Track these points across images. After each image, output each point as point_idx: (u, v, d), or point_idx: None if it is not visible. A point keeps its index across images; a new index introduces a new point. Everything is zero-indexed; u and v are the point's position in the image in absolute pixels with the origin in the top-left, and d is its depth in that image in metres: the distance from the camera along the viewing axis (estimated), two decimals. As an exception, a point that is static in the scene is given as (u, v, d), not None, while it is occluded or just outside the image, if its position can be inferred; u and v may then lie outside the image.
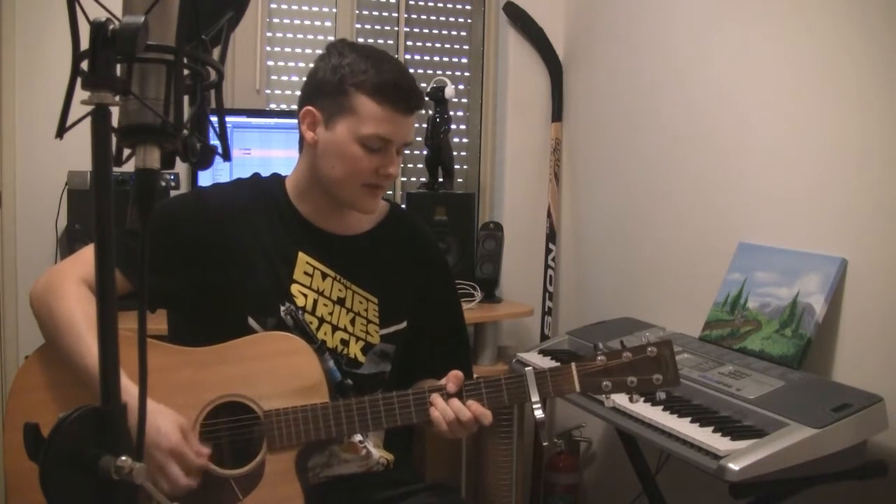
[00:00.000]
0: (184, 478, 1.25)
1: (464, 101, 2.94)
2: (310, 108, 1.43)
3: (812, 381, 1.60)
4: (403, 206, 2.55)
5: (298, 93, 1.50)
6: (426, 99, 1.47)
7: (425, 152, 2.70)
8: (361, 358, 1.47)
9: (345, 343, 1.46)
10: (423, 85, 2.82)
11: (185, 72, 0.82)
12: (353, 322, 1.47)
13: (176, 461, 1.24)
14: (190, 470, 1.26)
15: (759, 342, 1.77)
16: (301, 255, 1.46)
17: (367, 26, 2.82)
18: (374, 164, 1.40)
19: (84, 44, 0.75)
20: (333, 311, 1.46)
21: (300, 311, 1.43)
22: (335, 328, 1.45)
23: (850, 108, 1.70)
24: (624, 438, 2.04)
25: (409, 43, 2.87)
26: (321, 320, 1.44)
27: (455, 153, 2.75)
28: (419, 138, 2.80)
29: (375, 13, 2.83)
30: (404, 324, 1.51)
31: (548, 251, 2.81)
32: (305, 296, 1.44)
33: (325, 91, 1.41)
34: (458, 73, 2.94)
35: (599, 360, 1.31)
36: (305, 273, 1.45)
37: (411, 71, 2.86)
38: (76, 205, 2.23)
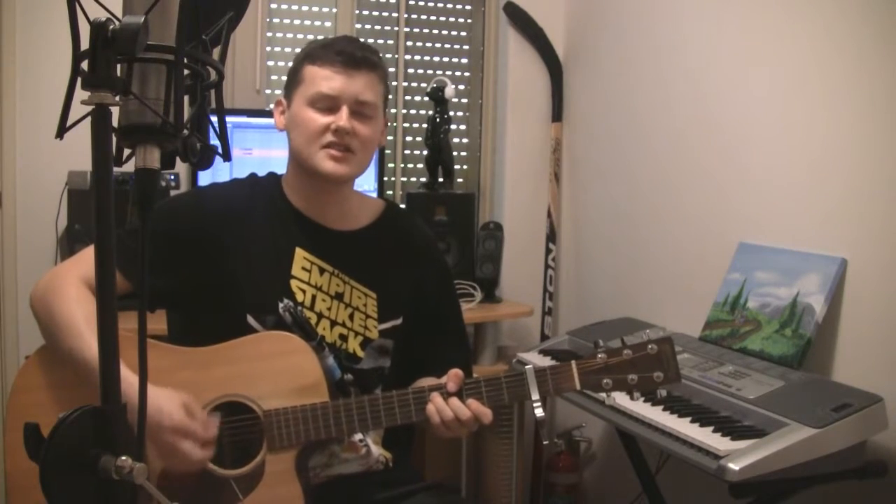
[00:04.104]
0: (197, 451, 1.25)
1: (464, 101, 2.94)
2: (279, 99, 1.51)
3: (812, 381, 1.60)
4: (403, 206, 2.56)
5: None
6: (379, 61, 1.48)
7: (425, 152, 2.70)
8: (360, 353, 1.47)
9: (343, 338, 1.46)
10: (423, 85, 2.83)
11: (185, 72, 0.82)
12: (351, 317, 1.47)
13: (184, 437, 1.24)
14: (202, 442, 1.26)
15: (759, 342, 1.77)
16: (298, 250, 1.46)
17: (367, 26, 2.82)
18: (326, 121, 1.42)
19: (84, 44, 0.75)
20: (332, 306, 1.46)
21: (299, 308, 1.43)
22: (334, 323, 1.46)
23: (850, 109, 1.70)
24: (624, 438, 2.04)
25: (409, 43, 2.87)
26: (320, 315, 1.45)
27: (455, 153, 2.75)
28: (419, 138, 2.80)
29: (375, 13, 2.83)
30: (400, 320, 1.52)
31: (548, 251, 2.81)
32: (304, 291, 1.45)
33: (288, 79, 1.50)
34: (458, 73, 2.94)
35: (600, 358, 1.31)
36: (303, 268, 1.46)
37: (411, 71, 2.87)
38: (76, 205, 2.23)
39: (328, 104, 1.42)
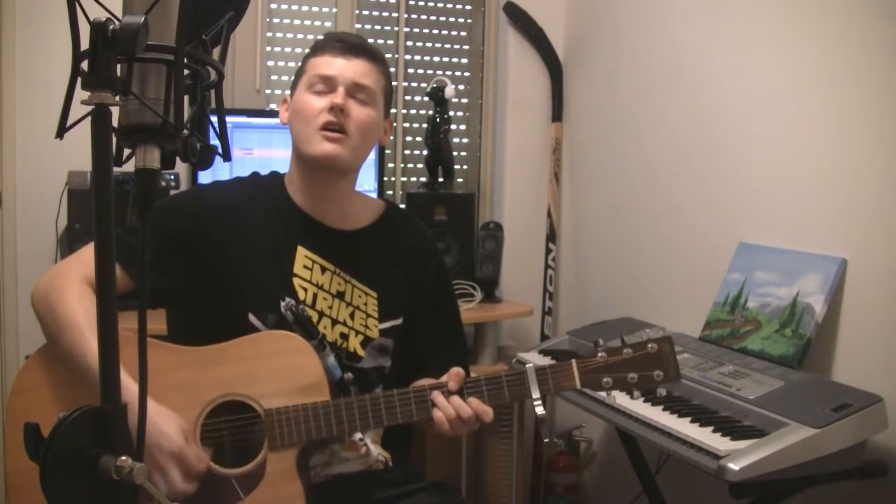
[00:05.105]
0: (182, 482, 1.25)
1: (464, 101, 2.94)
2: (284, 97, 1.55)
3: (812, 381, 1.60)
4: (403, 206, 2.56)
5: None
6: (379, 54, 1.52)
7: (425, 152, 2.70)
8: (361, 352, 1.47)
9: (344, 337, 1.46)
10: (423, 85, 2.83)
11: (185, 72, 0.82)
12: (352, 316, 1.47)
13: (177, 464, 1.25)
14: (190, 474, 1.26)
15: (759, 342, 1.77)
16: (300, 248, 1.47)
17: (367, 26, 2.82)
18: (323, 103, 1.44)
19: (84, 44, 0.75)
20: (333, 305, 1.46)
21: (301, 306, 1.43)
22: (335, 322, 1.46)
23: (850, 109, 1.70)
24: (624, 438, 2.04)
25: (409, 43, 2.87)
26: (321, 314, 1.45)
27: (455, 153, 2.75)
28: (419, 138, 2.80)
29: (375, 13, 2.83)
30: (401, 319, 1.52)
31: (548, 251, 2.80)
32: (305, 290, 1.45)
33: (293, 78, 1.53)
34: (458, 73, 2.94)
35: (600, 357, 1.32)
36: (305, 267, 1.46)
37: (411, 71, 2.87)
38: (76, 205, 2.23)
39: (326, 86, 1.44)
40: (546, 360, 2.05)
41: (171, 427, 1.25)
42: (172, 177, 2.21)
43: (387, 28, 2.85)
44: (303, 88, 1.47)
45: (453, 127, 2.73)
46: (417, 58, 2.88)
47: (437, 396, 1.32)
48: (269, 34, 2.68)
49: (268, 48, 2.67)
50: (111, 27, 0.72)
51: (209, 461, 1.29)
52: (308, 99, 1.45)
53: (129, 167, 0.81)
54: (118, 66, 0.74)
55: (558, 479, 2.62)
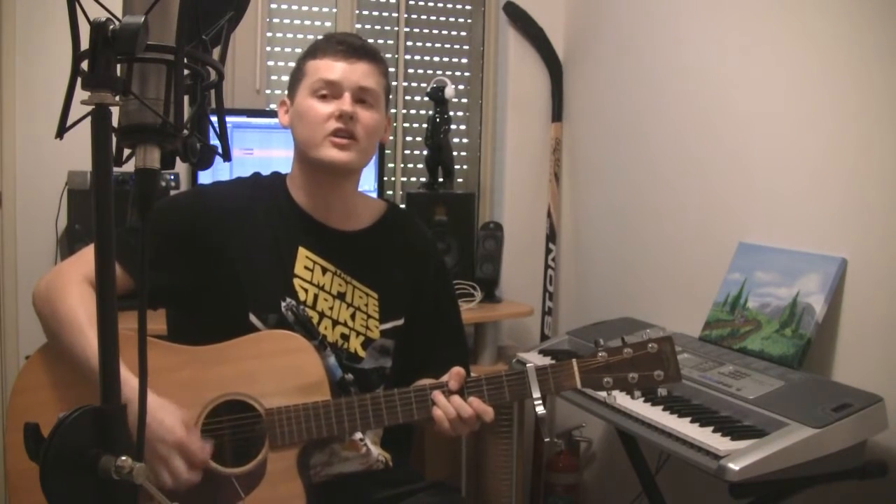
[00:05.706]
0: (186, 472, 1.25)
1: (464, 101, 2.94)
2: (282, 99, 1.54)
3: (812, 381, 1.60)
4: (403, 206, 2.56)
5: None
6: (379, 55, 1.52)
7: (425, 152, 2.70)
8: (361, 353, 1.47)
9: (345, 338, 1.46)
10: (423, 85, 2.83)
11: (185, 72, 0.82)
12: (353, 317, 1.47)
13: (180, 455, 1.24)
14: (193, 464, 1.26)
15: (759, 342, 1.77)
16: (301, 249, 1.47)
17: (367, 26, 2.82)
18: (329, 109, 1.43)
19: (84, 44, 0.75)
20: (334, 306, 1.46)
21: (301, 307, 1.43)
22: (335, 323, 1.46)
23: (849, 109, 1.70)
24: (624, 438, 2.04)
25: (409, 43, 2.87)
26: (321, 315, 1.45)
27: (455, 153, 2.75)
28: (419, 138, 2.80)
29: (375, 13, 2.83)
30: (402, 320, 1.52)
31: (548, 251, 2.80)
32: (306, 290, 1.45)
33: (291, 78, 1.53)
34: (458, 73, 2.94)
35: (600, 357, 1.32)
36: (305, 268, 1.46)
37: (411, 71, 2.87)
38: (76, 205, 2.23)
39: (331, 91, 1.44)
40: (546, 360, 2.05)
41: (172, 418, 1.25)
42: (172, 177, 2.21)
43: (387, 28, 2.85)
44: (305, 92, 1.46)
45: (453, 127, 2.73)
46: (417, 58, 2.88)
47: (438, 396, 1.32)
48: (269, 34, 2.68)
49: (268, 48, 2.67)
50: (111, 27, 0.72)
51: (210, 450, 1.29)
52: (313, 104, 1.44)
53: (129, 167, 0.81)
54: (118, 66, 0.74)
55: (558, 479, 2.62)
